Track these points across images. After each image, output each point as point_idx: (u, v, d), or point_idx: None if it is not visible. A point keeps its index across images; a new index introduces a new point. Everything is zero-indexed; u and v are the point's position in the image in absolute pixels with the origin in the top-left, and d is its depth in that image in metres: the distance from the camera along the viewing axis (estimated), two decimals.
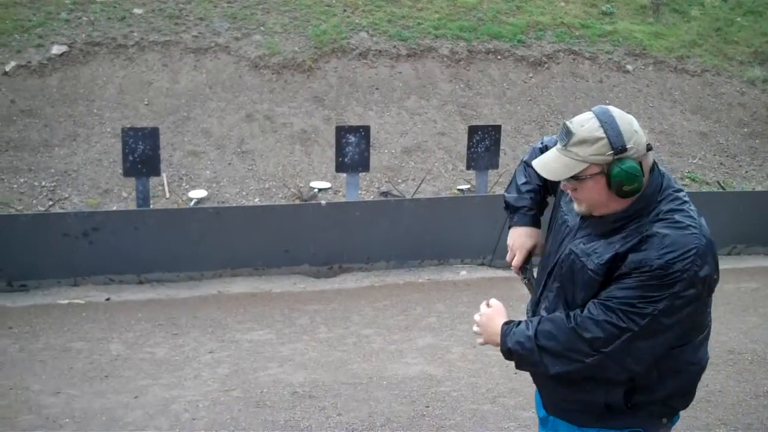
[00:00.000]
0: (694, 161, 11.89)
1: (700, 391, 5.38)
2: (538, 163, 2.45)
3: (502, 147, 9.93)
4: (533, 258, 2.88)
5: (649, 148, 2.33)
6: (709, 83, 13.41)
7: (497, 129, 9.59)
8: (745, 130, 12.68)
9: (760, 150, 12.24)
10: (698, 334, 2.44)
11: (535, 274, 2.78)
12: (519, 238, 2.88)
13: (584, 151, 2.31)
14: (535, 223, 2.92)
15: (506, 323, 2.56)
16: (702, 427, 4.98)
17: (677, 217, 2.31)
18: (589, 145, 2.31)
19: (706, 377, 5.68)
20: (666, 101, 12.91)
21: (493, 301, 2.67)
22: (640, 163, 2.31)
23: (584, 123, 2.35)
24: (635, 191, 2.32)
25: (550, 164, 2.40)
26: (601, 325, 2.29)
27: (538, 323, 2.44)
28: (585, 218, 2.46)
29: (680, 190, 2.42)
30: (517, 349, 2.47)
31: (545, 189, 2.94)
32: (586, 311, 2.34)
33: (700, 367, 2.49)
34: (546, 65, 12.95)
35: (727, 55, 14.11)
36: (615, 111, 2.35)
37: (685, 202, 2.38)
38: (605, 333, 2.28)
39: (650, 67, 13.43)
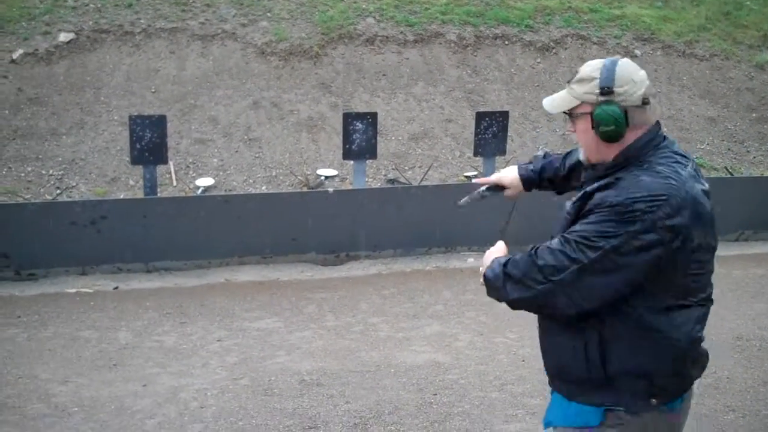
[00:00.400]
0: (702, 147, 11.84)
1: (707, 378, 5.38)
2: (546, 99, 2.56)
3: (509, 133, 9.90)
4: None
5: (645, 101, 2.33)
6: (717, 68, 13.34)
7: (505, 115, 9.56)
8: (754, 115, 12.61)
9: None
10: (671, 297, 2.31)
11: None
12: (504, 172, 3.10)
13: (580, 89, 2.40)
14: (527, 176, 3.08)
15: (498, 258, 2.57)
16: (709, 413, 4.97)
17: (660, 168, 2.29)
18: (585, 83, 2.39)
19: (714, 363, 5.68)
20: (674, 86, 12.84)
21: (498, 243, 2.70)
22: (626, 112, 2.32)
23: (591, 64, 2.43)
24: (612, 135, 2.34)
25: (554, 98, 2.51)
26: (554, 254, 2.30)
27: (513, 256, 2.48)
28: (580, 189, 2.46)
29: (686, 157, 2.38)
30: (489, 275, 2.49)
31: (550, 180, 3.06)
32: (547, 242, 2.37)
33: (682, 343, 2.35)
34: (554, 50, 12.89)
35: (736, 40, 14.03)
36: (624, 61, 2.38)
37: (681, 164, 2.33)
38: (557, 262, 2.28)
39: (658, 52, 13.35)
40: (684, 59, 13.37)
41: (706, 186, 2.37)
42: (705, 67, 13.35)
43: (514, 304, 2.44)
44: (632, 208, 2.20)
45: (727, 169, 11.31)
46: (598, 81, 2.35)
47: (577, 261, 2.26)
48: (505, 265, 2.44)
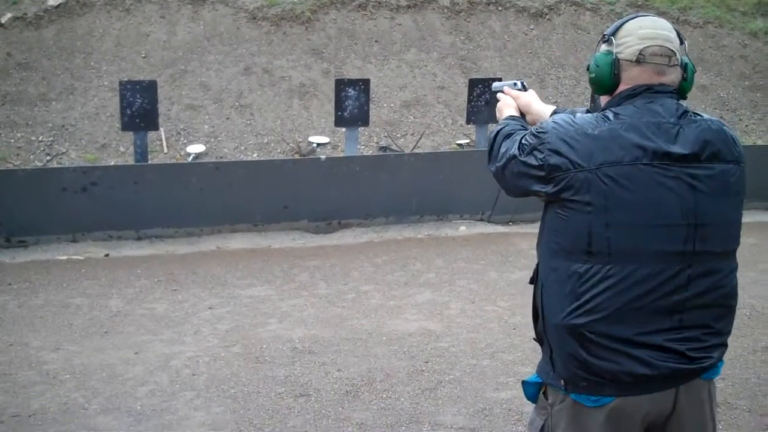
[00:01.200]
0: None
1: None
2: None
3: None
4: None
5: (639, 59, 2.22)
6: (711, 35, 13.28)
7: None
8: (746, 83, 12.58)
9: (761, 104, 12.16)
10: (556, 251, 2.21)
11: None
12: (538, 104, 2.70)
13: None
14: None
15: (512, 116, 2.58)
16: None
17: (591, 115, 2.24)
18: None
19: None
20: None
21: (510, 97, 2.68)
22: (616, 63, 2.24)
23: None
24: (593, 81, 2.30)
25: None
26: (510, 143, 2.32)
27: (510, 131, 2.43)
28: None
29: (636, 110, 2.20)
30: (489, 135, 2.50)
31: None
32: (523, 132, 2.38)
33: (569, 326, 2.16)
34: (547, 16, 12.80)
35: (730, 7, 13.95)
36: (646, 18, 2.28)
37: (600, 117, 2.20)
38: (506, 150, 2.32)
39: None
40: (677, 26, 13.23)
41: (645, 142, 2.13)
42: (698, 34, 13.28)
43: (492, 173, 2.43)
44: (535, 128, 2.24)
45: None
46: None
47: (510, 152, 2.29)
48: (497, 132, 2.45)
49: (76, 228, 7.62)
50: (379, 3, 12.25)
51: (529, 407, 4.56)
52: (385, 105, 10.95)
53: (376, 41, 11.82)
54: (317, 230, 8.21)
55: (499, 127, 2.45)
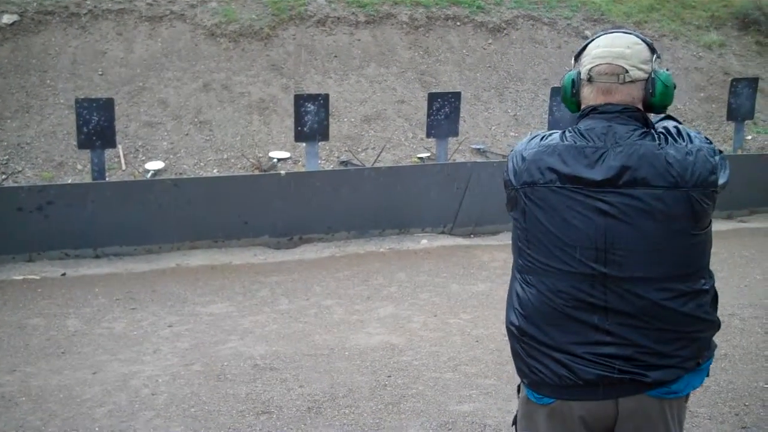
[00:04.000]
0: None
1: None
2: None
3: (461, 114, 9.91)
4: None
5: (589, 79, 2.25)
6: (666, 48, 13.46)
7: (457, 96, 9.56)
8: (702, 94, 12.77)
9: (716, 114, 12.34)
10: (517, 258, 2.35)
11: None
12: None
13: None
14: None
15: None
16: None
17: (543, 132, 2.35)
18: None
19: None
20: None
21: None
22: (576, 82, 2.29)
23: None
24: (563, 101, 2.36)
25: None
26: None
27: None
28: None
29: (573, 133, 2.25)
30: None
31: None
32: None
33: (509, 324, 2.34)
34: (505, 31, 12.90)
35: (685, 20, 14.18)
36: (613, 34, 2.31)
37: (555, 138, 2.26)
38: None
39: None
40: None
41: (561, 166, 2.21)
42: (654, 47, 13.45)
43: None
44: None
45: None
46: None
47: None
48: None
49: (32, 247, 7.50)
50: (338, 18, 12.26)
51: (492, 420, 4.57)
52: (345, 120, 10.94)
53: (335, 56, 11.82)
54: (278, 246, 8.15)
55: None
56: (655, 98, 2.23)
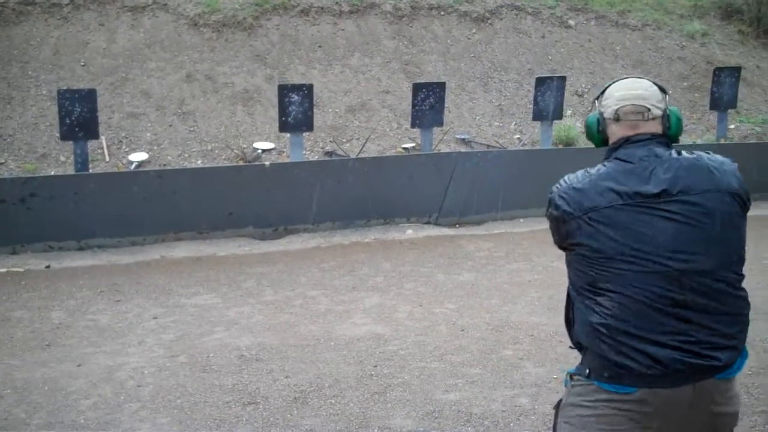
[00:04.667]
0: None
1: None
2: None
3: (446, 104, 9.91)
4: None
5: (616, 117, 2.61)
6: (649, 37, 13.51)
7: (441, 86, 9.56)
8: (685, 83, 12.83)
9: (699, 103, 12.40)
10: (575, 283, 2.63)
11: None
12: None
13: None
14: None
15: None
16: None
17: (582, 172, 2.64)
18: None
19: None
20: (607, 56, 12.98)
21: None
22: (601, 121, 2.67)
23: None
24: (588, 136, 2.73)
25: None
26: None
27: None
28: None
29: (616, 161, 2.58)
30: None
31: None
32: None
33: (591, 327, 2.54)
34: (489, 21, 12.90)
35: (668, 10, 14.23)
36: (629, 79, 2.68)
37: (601, 168, 2.58)
38: None
39: (592, 22, 13.48)
40: (617, 29, 13.51)
41: (625, 187, 2.50)
42: (637, 36, 13.51)
43: None
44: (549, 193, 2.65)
45: None
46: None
47: None
48: None
49: (15, 239, 7.46)
50: (322, 8, 12.22)
51: (478, 408, 4.59)
52: (329, 110, 10.92)
53: (319, 47, 11.79)
54: (263, 237, 8.14)
55: None
56: (672, 130, 2.64)
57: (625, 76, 2.72)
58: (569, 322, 2.76)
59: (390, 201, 8.57)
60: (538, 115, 9.84)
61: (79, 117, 8.10)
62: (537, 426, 4.42)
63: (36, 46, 10.69)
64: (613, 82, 2.70)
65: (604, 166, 2.58)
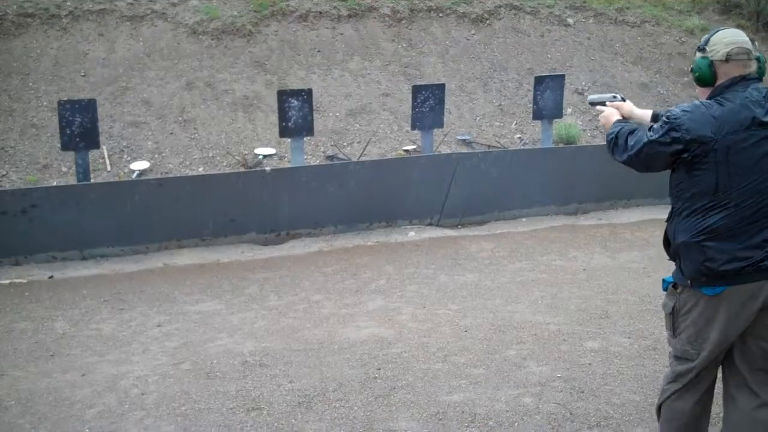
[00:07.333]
0: None
1: (647, 339, 5.45)
2: None
3: (446, 106, 9.90)
4: None
5: (727, 59, 3.25)
6: (648, 34, 13.50)
7: (441, 88, 9.56)
8: (685, 79, 12.80)
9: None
10: (695, 195, 3.28)
11: None
12: (637, 109, 3.84)
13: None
14: (656, 114, 3.85)
15: (619, 120, 3.63)
16: (649, 374, 5.06)
17: (712, 101, 3.26)
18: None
19: (652, 326, 5.74)
20: (607, 53, 12.97)
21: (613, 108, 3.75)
22: (713, 64, 3.28)
23: None
24: (698, 79, 3.34)
25: None
26: (637, 136, 3.37)
27: (623, 126, 3.51)
28: None
29: (723, 98, 3.24)
30: (608, 133, 3.53)
31: None
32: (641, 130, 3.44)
33: (702, 244, 3.26)
34: (488, 21, 12.90)
35: (666, 5, 14.22)
36: (728, 30, 3.35)
37: (713, 103, 3.24)
38: (636, 141, 3.34)
39: (591, 20, 13.47)
40: (616, 26, 13.50)
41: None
42: (636, 33, 13.50)
43: (621, 162, 3.43)
44: (665, 117, 3.27)
45: None
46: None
47: (644, 140, 3.31)
48: (617, 132, 3.46)
49: (18, 251, 7.47)
50: (320, 13, 12.23)
51: (482, 409, 4.58)
52: (330, 114, 10.92)
53: (318, 51, 11.80)
54: (266, 242, 8.14)
55: (616, 129, 3.49)
56: (761, 70, 3.34)
57: (722, 28, 3.37)
58: (668, 238, 3.43)
59: (392, 203, 8.57)
60: (539, 114, 9.83)
61: (79, 127, 8.11)
62: (541, 425, 4.41)
63: (36, 58, 10.72)
64: (716, 31, 3.33)
65: (728, 99, 3.21)
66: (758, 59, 3.30)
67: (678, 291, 3.37)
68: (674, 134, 3.18)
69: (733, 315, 3.24)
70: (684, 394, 3.44)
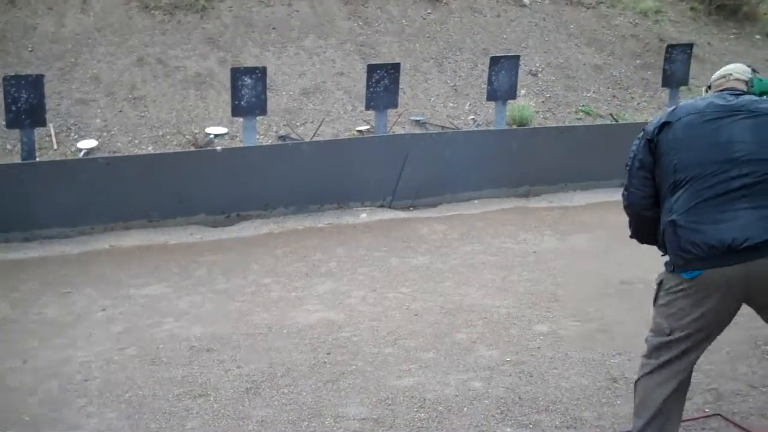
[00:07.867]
0: (588, 94, 12.03)
1: (594, 323, 5.49)
2: None
3: (401, 86, 9.84)
4: None
5: (709, 87, 3.72)
6: (603, 15, 13.55)
7: (396, 67, 9.49)
8: (638, 62, 12.88)
9: (652, 81, 12.46)
10: (662, 184, 3.50)
11: None
12: None
13: None
14: None
15: None
16: (597, 357, 5.08)
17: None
18: None
19: (600, 308, 5.77)
20: (562, 34, 12.98)
21: None
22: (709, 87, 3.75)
23: None
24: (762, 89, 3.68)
25: None
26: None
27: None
28: None
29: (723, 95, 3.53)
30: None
31: None
32: None
33: (670, 223, 3.37)
34: (444, 1, 12.84)
35: None
36: (732, 65, 3.76)
37: (705, 99, 3.54)
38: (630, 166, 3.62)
39: (546, 1, 13.46)
40: (571, 7, 13.52)
41: (726, 101, 3.44)
42: (591, 14, 13.54)
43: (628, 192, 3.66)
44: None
45: (612, 116, 11.54)
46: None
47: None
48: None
49: None
50: None
51: (431, 394, 4.57)
52: (284, 93, 10.80)
53: (273, 28, 11.65)
54: (215, 224, 8.04)
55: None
56: (755, 89, 3.64)
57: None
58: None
59: (344, 185, 8.51)
60: (492, 95, 9.81)
61: (25, 104, 7.91)
62: (490, 409, 4.41)
63: None
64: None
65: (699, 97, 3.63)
66: (750, 81, 3.64)
67: (664, 271, 3.50)
68: (643, 134, 3.53)
69: (709, 298, 3.29)
70: (660, 376, 3.46)
